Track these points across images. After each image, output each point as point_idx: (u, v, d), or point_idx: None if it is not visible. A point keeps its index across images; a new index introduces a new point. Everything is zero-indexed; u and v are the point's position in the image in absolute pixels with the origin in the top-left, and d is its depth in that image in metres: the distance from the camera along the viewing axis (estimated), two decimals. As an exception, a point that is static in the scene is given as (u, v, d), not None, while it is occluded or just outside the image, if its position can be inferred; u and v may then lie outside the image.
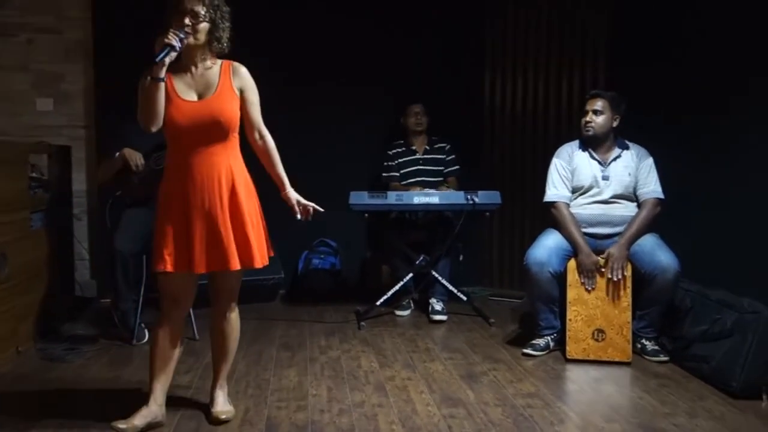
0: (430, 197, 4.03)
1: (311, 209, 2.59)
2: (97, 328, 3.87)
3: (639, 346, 3.34)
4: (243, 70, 2.49)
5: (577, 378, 3.10)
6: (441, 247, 4.17)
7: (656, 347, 3.32)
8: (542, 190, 4.76)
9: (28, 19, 4.71)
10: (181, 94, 2.41)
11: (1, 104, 4.71)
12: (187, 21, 2.32)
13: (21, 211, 3.49)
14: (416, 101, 4.55)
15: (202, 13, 2.35)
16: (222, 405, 2.61)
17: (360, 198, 3.95)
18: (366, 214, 4.01)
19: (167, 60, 2.30)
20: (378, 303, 4.11)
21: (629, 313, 3.24)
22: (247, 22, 4.90)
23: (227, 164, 2.45)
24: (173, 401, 2.71)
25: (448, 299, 4.24)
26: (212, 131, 2.41)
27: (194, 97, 2.43)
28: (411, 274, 4.14)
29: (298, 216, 2.57)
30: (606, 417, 2.60)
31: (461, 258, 4.45)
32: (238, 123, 2.48)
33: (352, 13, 4.81)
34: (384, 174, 4.58)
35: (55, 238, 3.91)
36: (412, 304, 4.37)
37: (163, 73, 2.31)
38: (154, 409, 2.48)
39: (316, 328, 3.94)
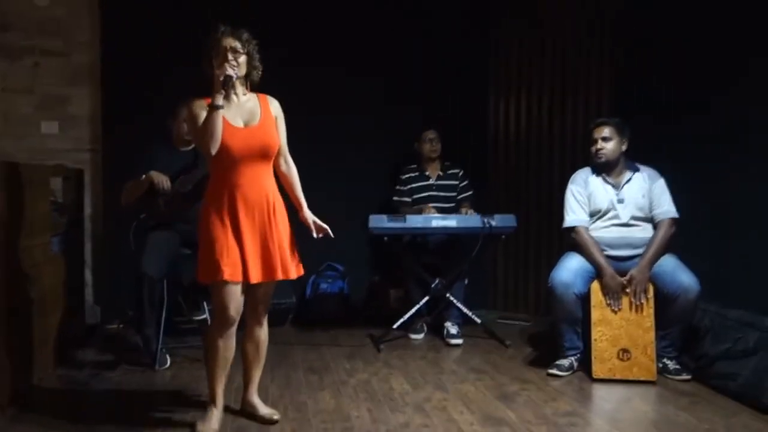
0: (448, 221, 4.09)
1: (326, 229, 2.81)
2: (111, 354, 3.81)
3: (660, 365, 3.42)
4: (276, 103, 2.77)
5: (609, 397, 3.18)
6: (456, 270, 4.23)
7: (678, 366, 3.42)
8: (547, 212, 4.96)
9: (35, 42, 4.67)
10: (231, 121, 2.60)
11: (6, 127, 4.65)
12: (230, 57, 2.56)
13: (44, 234, 3.44)
14: (430, 127, 4.61)
15: (240, 48, 2.60)
16: (265, 407, 2.84)
17: (380, 221, 4.00)
18: (386, 238, 4.05)
19: (225, 90, 2.52)
20: (394, 326, 4.14)
21: (653, 333, 3.34)
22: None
23: (271, 185, 2.71)
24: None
25: (462, 322, 4.29)
26: (260, 155, 2.64)
27: (241, 124, 2.64)
28: (427, 297, 4.18)
29: (315, 234, 2.81)
30: (649, 433, 2.68)
31: (466, 281, 4.51)
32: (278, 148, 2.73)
33: (356, 32, 4.86)
34: (395, 198, 4.62)
35: (70, 262, 3.85)
36: (425, 328, 4.40)
37: (221, 101, 2.50)
38: (221, 410, 2.73)
39: (335, 352, 3.94)
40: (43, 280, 3.38)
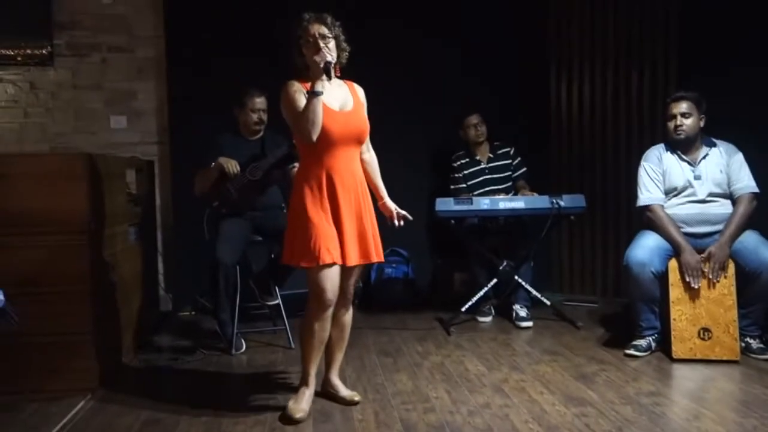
0: (515, 202, 4.05)
1: (406, 215, 2.84)
2: (187, 339, 3.91)
3: (743, 344, 3.32)
4: (362, 90, 2.80)
5: (691, 376, 3.10)
6: (523, 252, 4.19)
7: (762, 345, 3.31)
8: (612, 192, 4.84)
9: (102, 39, 4.81)
10: (328, 104, 2.61)
11: (77, 122, 4.80)
12: (321, 44, 2.57)
13: (122, 224, 3.54)
14: (472, 112, 4.53)
15: (328, 32, 2.61)
16: (346, 389, 2.87)
17: (446, 204, 3.98)
18: (452, 221, 4.03)
19: (328, 76, 2.54)
20: (463, 309, 4.12)
21: (735, 311, 3.24)
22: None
23: (360, 170, 2.76)
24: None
25: (531, 304, 4.25)
26: (355, 139, 2.69)
27: (337, 108, 2.65)
28: (495, 280, 4.15)
29: (396, 223, 2.85)
30: (740, 413, 2.60)
31: (531, 264, 4.46)
32: None
33: (407, 17, 4.80)
34: (452, 186, 4.57)
35: (146, 251, 3.96)
36: (493, 310, 4.38)
37: (322, 88, 2.52)
38: (313, 390, 2.76)
39: (405, 335, 3.96)
40: (123, 268, 3.49)
